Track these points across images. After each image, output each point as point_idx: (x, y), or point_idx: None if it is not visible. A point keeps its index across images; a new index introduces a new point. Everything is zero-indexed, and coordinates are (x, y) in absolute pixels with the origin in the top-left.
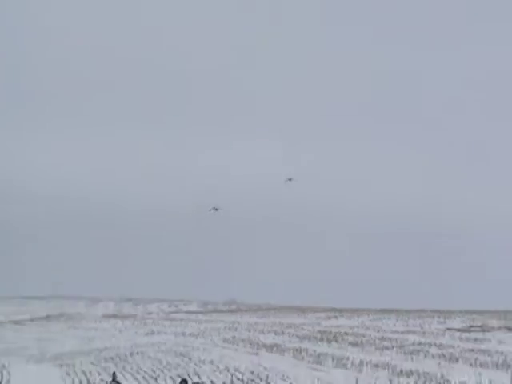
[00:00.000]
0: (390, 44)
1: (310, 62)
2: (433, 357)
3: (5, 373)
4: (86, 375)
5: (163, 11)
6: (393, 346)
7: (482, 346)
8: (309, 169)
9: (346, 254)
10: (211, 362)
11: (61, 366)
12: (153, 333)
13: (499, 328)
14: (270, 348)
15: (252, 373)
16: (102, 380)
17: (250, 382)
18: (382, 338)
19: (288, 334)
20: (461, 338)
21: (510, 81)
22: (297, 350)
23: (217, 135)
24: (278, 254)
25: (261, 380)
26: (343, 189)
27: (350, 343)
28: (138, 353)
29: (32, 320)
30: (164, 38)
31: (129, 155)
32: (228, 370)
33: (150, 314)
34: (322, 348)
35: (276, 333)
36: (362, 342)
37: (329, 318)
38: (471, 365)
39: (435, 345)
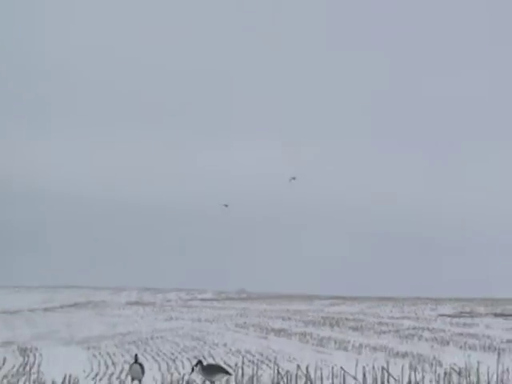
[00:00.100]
0: (390, 44)
1: (309, 62)
2: (426, 340)
3: (37, 355)
4: (110, 357)
5: (163, 11)
6: (389, 331)
7: (471, 331)
8: (308, 168)
9: (348, 247)
10: (224, 344)
11: (88, 348)
12: (171, 319)
13: (486, 314)
14: (278, 332)
15: (261, 355)
16: (125, 361)
17: (259, 363)
18: (380, 323)
19: (294, 319)
20: (451, 323)
21: (510, 80)
22: (302, 334)
23: (217, 135)
24: (284, 247)
25: (269, 361)
26: (343, 187)
27: (351, 328)
28: (157, 337)
29: (61, 307)
30: (164, 38)
31: (128, 155)
32: (239, 352)
33: (168, 301)
34: (325, 332)
35: (283, 318)
36: (361, 326)
37: (332, 305)
38: (461, 347)
39: (428, 329)
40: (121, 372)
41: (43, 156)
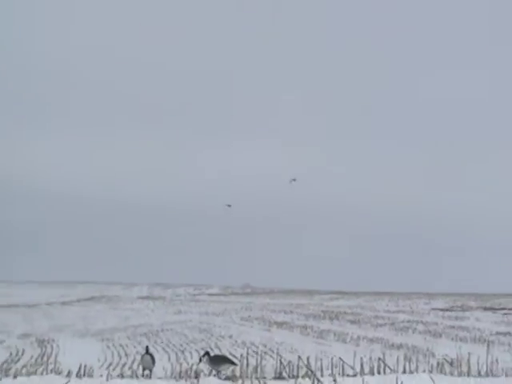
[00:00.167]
0: (390, 45)
1: (310, 63)
2: (420, 332)
3: (54, 346)
4: (123, 348)
5: (163, 11)
6: (385, 324)
7: (462, 324)
8: (308, 169)
9: (346, 246)
10: (230, 336)
11: (102, 340)
12: (180, 312)
13: (476, 308)
14: (281, 325)
15: (265, 346)
16: (136, 352)
17: (263, 354)
18: (376, 317)
19: (296, 313)
20: (444, 317)
21: (510, 80)
22: (303, 326)
23: (217, 135)
24: (287, 245)
25: (273, 352)
26: (342, 188)
27: (349, 321)
28: (167, 329)
29: (78, 301)
30: (164, 37)
31: (128, 155)
32: (244, 344)
33: (177, 296)
34: (325, 325)
35: (285, 312)
36: (359, 320)
37: (331, 299)
38: (452, 339)
39: (422, 322)
40: (133, 362)
41: (43, 156)
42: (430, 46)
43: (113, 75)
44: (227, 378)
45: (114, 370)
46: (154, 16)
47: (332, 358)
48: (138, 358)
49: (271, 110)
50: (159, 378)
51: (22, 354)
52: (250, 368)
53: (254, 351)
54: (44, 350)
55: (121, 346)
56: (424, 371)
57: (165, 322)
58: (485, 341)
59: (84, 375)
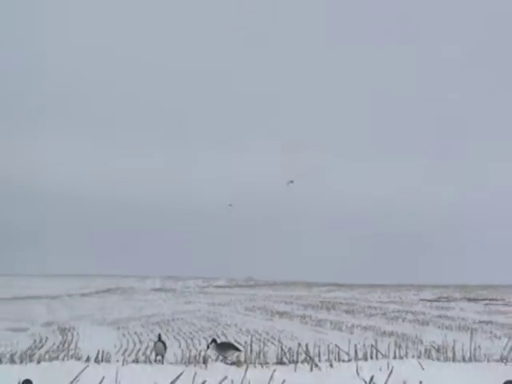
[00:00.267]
0: (391, 44)
1: (310, 66)
2: (409, 321)
3: (74, 333)
4: (137, 336)
5: (163, 11)
6: (377, 313)
7: (448, 313)
8: (308, 169)
9: (343, 243)
10: (235, 325)
11: (118, 328)
12: (189, 303)
13: (461, 299)
14: (282, 315)
15: (267, 334)
16: (150, 339)
17: (265, 341)
18: (369, 307)
19: (296, 303)
20: (431, 307)
21: (510, 80)
22: (302, 316)
23: (217, 136)
24: (288, 239)
25: (274, 339)
26: (343, 184)
27: (344, 311)
28: (178, 318)
29: (96, 293)
30: (164, 38)
31: (128, 155)
32: (248, 332)
33: (187, 288)
34: (322, 315)
35: (286, 303)
36: (353, 310)
37: (328, 291)
38: (439, 327)
39: (411, 312)
40: (146, 349)
41: (43, 156)
42: (430, 46)
43: (113, 75)
44: (233, 363)
45: (129, 355)
46: (153, 16)
47: (329, 345)
48: (151, 344)
49: (271, 110)
50: (170, 363)
51: (46, 341)
52: (254, 354)
53: (257, 338)
54: (65, 337)
55: (135, 333)
56: (413, 357)
57: (175, 312)
58: (468, 329)
59: (102, 360)
